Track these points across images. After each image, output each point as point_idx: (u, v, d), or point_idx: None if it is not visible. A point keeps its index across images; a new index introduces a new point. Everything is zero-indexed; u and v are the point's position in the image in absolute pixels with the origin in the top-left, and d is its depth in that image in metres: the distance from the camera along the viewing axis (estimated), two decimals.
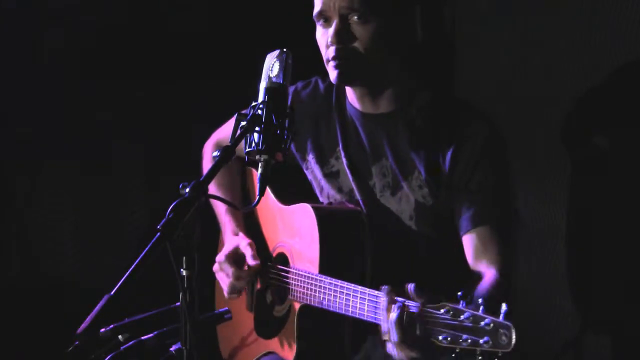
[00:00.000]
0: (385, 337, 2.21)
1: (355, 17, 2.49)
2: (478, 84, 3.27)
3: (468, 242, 2.53)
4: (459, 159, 2.53)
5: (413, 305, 2.15)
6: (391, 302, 2.20)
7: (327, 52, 2.53)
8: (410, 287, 2.18)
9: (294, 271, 2.62)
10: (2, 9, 3.29)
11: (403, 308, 2.15)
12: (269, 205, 2.81)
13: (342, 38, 2.50)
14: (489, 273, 2.47)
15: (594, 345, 3.01)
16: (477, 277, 2.48)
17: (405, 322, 2.14)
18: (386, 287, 2.23)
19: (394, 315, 2.16)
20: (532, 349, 2.99)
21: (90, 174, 3.44)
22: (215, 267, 2.79)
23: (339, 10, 2.48)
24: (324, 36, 2.54)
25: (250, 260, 2.73)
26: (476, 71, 3.30)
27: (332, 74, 2.54)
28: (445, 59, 3.36)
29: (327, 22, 2.53)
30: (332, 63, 2.52)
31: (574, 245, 3.02)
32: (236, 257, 2.76)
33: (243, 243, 2.76)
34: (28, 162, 3.38)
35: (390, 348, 2.20)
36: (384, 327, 2.21)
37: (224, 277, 2.77)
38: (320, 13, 2.52)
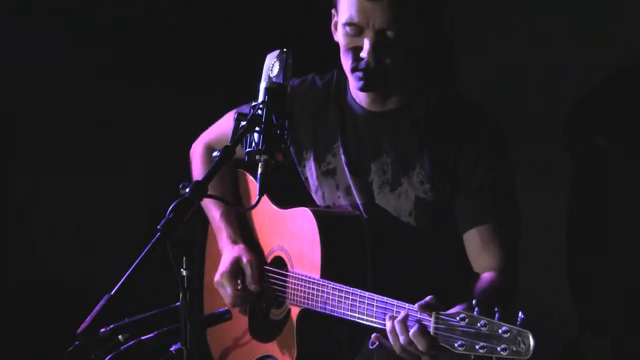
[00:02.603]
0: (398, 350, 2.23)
1: (391, 33, 2.48)
2: (478, 84, 3.26)
3: (469, 240, 2.53)
4: (463, 156, 2.53)
5: (426, 318, 2.16)
6: (406, 318, 2.21)
7: (356, 62, 2.51)
8: (419, 303, 2.20)
9: (293, 275, 2.61)
10: (2, 9, 3.29)
11: (419, 322, 2.17)
12: (264, 208, 2.78)
13: (377, 54, 2.49)
14: (488, 272, 2.48)
15: (594, 345, 3.01)
16: (477, 276, 2.49)
17: (423, 335, 2.16)
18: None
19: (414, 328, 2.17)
20: None
21: (90, 174, 3.44)
22: (217, 281, 2.77)
23: (378, 26, 2.46)
24: (352, 44, 2.52)
25: (251, 284, 2.72)
26: (476, 71, 3.29)
27: (357, 83, 2.54)
28: (446, 59, 3.36)
29: (357, 32, 2.50)
30: (359, 74, 2.52)
31: (574, 245, 3.02)
32: (237, 272, 2.74)
33: (244, 260, 2.74)
34: (28, 162, 3.38)
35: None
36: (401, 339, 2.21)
37: (224, 292, 2.76)
38: (356, 24, 2.49)
